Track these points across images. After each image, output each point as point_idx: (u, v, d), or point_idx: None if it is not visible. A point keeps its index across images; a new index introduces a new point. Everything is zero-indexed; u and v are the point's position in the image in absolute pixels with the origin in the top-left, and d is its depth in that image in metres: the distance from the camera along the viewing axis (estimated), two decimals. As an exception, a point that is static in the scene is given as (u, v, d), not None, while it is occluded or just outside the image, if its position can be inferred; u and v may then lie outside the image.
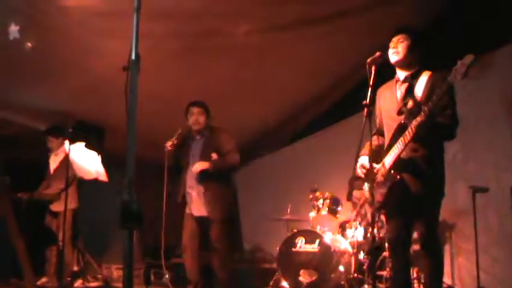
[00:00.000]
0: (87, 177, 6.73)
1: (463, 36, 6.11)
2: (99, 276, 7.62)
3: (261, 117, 8.67)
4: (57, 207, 6.89)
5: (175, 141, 5.71)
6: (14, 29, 5.58)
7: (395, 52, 4.19)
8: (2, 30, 5.53)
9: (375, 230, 6.09)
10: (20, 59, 6.10)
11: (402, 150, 4.02)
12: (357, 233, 6.38)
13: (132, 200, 3.60)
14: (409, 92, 4.19)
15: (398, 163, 4.07)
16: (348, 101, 7.82)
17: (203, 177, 5.63)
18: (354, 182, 6.57)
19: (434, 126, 3.90)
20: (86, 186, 7.02)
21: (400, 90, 4.26)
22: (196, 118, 5.82)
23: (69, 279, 6.75)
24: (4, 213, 6.82)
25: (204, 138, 5.84)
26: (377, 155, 4.30)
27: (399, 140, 4.04)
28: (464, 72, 3.68)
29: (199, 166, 5.61)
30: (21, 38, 5.62)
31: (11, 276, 6.87)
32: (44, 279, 6.86)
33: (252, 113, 8.31)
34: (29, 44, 5.73)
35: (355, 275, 6.09)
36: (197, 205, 5.71)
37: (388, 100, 4.33)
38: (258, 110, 8.31)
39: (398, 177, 4.05)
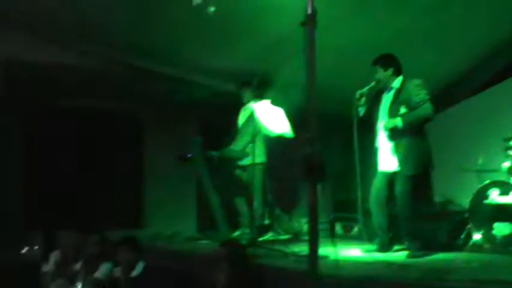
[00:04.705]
0: (274, 133, 6.89)
1: None
2: (290, 229, 7.85)
3: (448, 65, 8.38)
4: (245, 161, 7.19)
5: (365, 93, 5.64)
6: (196, -5, 5.84)
7: None
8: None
9: None
10: (204, 24, 6.38)
11: None
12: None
13: (314, 153, 3.68)
14: None
15: None
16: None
17: (394, 132, 5.50)
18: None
19: None
20: (275, 142, 7.20)
21: None
22: (377, 77, 5.70)
23: (259, 232, 7.03)
24: (198, 171, 7.27)
25: (394, 92, 5.65)
26: None
27: None
28: None
29: (388, 125, 5.49)
30: (203, 3, 5.86)
31: (208, 230, 7.34)
32: (238, 232, 7.20)
33: (440, 61, 8.04)
34: (211, 9, 5.96)
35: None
36: (387, 159, 5.63)
37: None
38: (444, 58, 8.03)
39: None
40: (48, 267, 6.26)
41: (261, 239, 6.88)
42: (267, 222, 7.48)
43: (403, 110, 5.46)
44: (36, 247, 5.97)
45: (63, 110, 8.76)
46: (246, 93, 7.48)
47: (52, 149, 8.68)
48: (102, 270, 5.76)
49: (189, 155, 7.32)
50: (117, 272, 5.66)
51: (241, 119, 7.54)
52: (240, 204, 7.29)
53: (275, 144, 7.12)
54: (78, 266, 6.13)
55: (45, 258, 6.36)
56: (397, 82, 5.65)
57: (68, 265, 6.30)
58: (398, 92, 5.59)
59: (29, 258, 6.59)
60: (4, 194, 7.39)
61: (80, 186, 8.76)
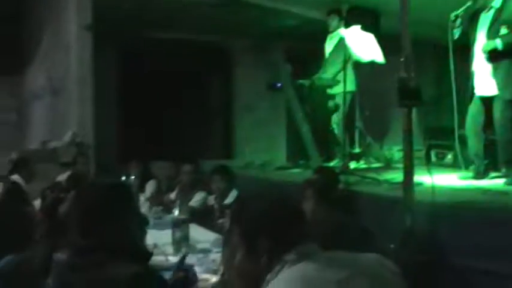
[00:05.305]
0: (364, 59, 6.74)
1: None
2: (381, 157, 7.75)
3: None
4: (335, 89, 7.09)
5: (460, 14, 5.37)
6: None
7: None
8: None
9: None
10: None
11: None
12: None
13: (409, 77, 3.58)
14: None
15: None
16: None
17: (493, 55, 5.19)
18: None
19: None
20: (366, 69, 7.04)
21: None
22: None
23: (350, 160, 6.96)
24: (288, 99, 7.25)
25: (494, 11, 5.27)
26: None
27: None
28: None
29: (487, 47, 5.18)
30: None
31: (298, 159, 7.35)
32: (333, 162, 7.16)
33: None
34: None
35: None
36: (485, 83, 5.35)
37: None
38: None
39: None
40: (144, 196, 6.49)
41: (352, 167, 6.85)
42: (357, 150, 7.41)
43: (503, 30, 5.15)
44: (133, 177, 6.19)
45: (152, 42, 8.88)
46: (334, 21, 7.32)
47: (143, 81, 8.86)
48: (196, 199, 5.92)
49: (279, 84, 7.31)
50: (211, 200, 5.80)
51: (329, 46, 7.41)
52: (337, 132, 7.21)
53: (366, 71, 6.99)
54: (173, 195, 6.32)
55: (141, 188, 6.59)
56: (497, 1, 5.31)
57: (162, 194, 6.52)
58: (499, 11, 5.25)
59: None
60: (103, 126, 7.65)
61: (172, 118, 8.96)
